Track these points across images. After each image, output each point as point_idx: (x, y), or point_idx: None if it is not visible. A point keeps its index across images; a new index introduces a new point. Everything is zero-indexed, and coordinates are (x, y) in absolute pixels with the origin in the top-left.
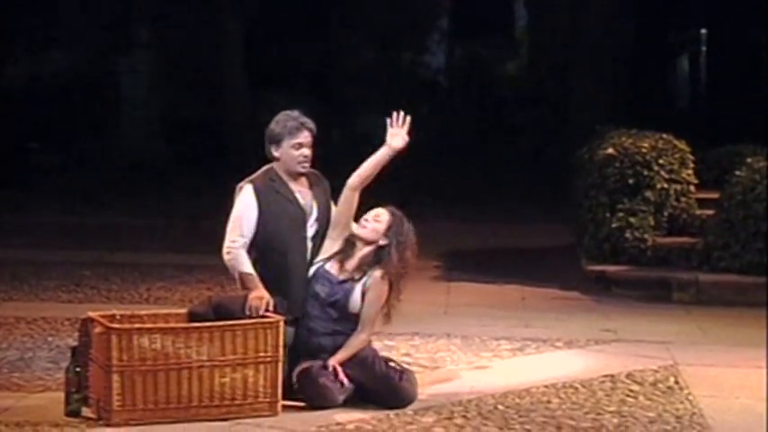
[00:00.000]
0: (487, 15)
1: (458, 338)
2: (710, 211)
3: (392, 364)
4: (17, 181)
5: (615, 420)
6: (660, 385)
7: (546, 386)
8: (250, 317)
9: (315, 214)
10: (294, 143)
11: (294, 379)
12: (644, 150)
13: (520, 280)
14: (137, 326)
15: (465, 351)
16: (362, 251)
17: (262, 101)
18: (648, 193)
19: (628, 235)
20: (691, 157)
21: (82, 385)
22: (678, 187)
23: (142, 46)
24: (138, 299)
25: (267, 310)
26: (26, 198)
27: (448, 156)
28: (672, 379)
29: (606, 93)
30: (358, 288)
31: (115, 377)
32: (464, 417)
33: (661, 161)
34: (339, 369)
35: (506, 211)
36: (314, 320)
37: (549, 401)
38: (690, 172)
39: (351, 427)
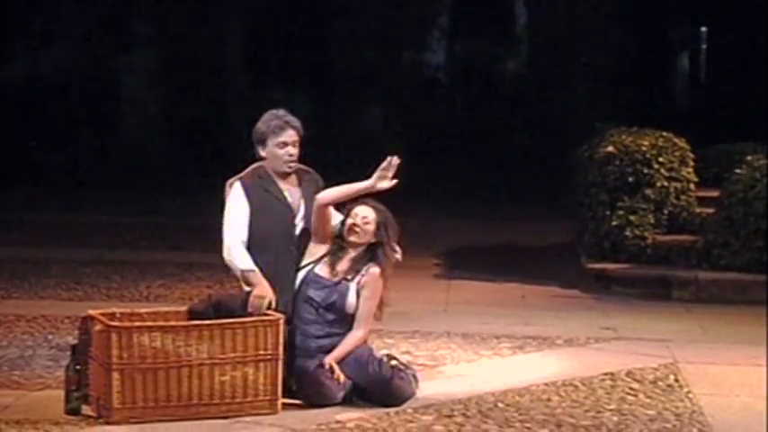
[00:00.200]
0: (488, 13)
1: (458, 336)
2: (710, 209)
3: (394, 361)
4: (17, 179)
5: (615, 418)
6: (660, 383)
7: (546, 384)
8: (251, 315)
9: (302, 211)
10: (279, 142)
11: (293, 378)
12: (644, 148)
13: (520, 278)
14: (137, 324)
15: (465, 349)
16: (354, 252)
17: (262, 99)
18: (648, 191)
19: (628, 233)
20: (691, 155)
21: (82, 383)
22: (678, 185)
23: (143, 44)
24: (138, 297)
25: (269, 308)
26: (26, 196)
27: (448, 154)
28: (672, 377)
29: (606, 91)
30: (352, 288)
31: (115, 375)
32: (464, 415)
33: (661, 159)
34: (336, 367)
35: (506, 209)
36: (310, 325)
37: (548, 399)
38: (690, 170)
39: (351, 425)
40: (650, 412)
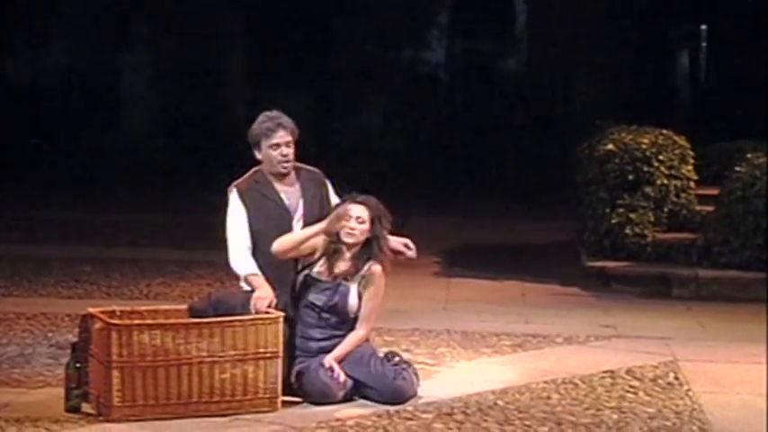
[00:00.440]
0: (488, 12)
1: (458, 334)
2: (710, 207)
3: (396, 359)
4: (17, 176)
5: (615, 416)
6: (660, 381)
7: (546, 382)
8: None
9: (299, 212)
10: (272, 144)
11: (293, 377)
12: (644, 146)
13: (520, 276)
14: (137, 322)
15: (465, 347)
16: (351, 252)
17: (262, 98)
18: (648, 189)
19: (628, 231)
20: (691, 153)
21: (82, 381)
22: (678, 183)
23: (143, 43)
24: (138, 295)
25: (270, 306)
26: (26, 194)
27: (447, 151)
28: (672, 375)
29: (606, 89)
30: (354, 289)
31: (115, 373)
32: (464, 413)
33: (661, 157)
34: (336, 366)
35: (506, 206)
36: (311, 328)
37: (548, 397)
38: (690, 168)
39: (351, 423)
40: (650, 410)
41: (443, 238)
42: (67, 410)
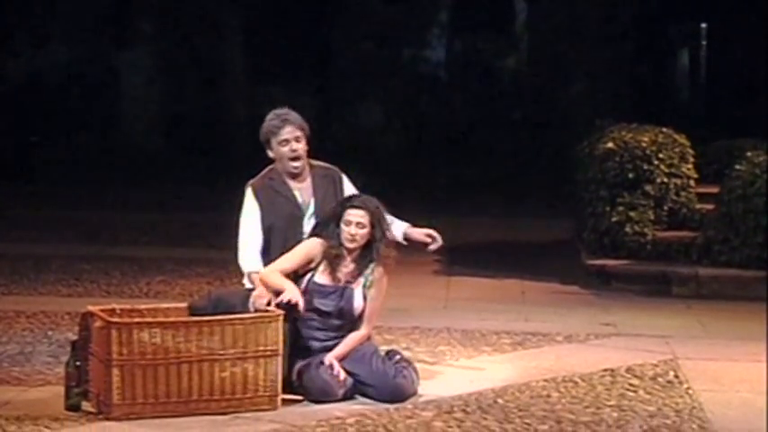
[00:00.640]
0: (487, 10)
1: (458, 332)
2: (710, 206)
3: (397, 357)
4: (17, 175)
5: (615, 414)
6: (660, 379)
7: (545, 380)
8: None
9: (311, 210)
10: (280, 140)
11: (294, 375)
12: (644, 144)
13: (519, 274)
14: (137, 320)
15: (465, 345)
16: (352, 255)
17: (261, 95)
18: (648, 188)
19: (628, 229)
20: (691, 151)
21: (82, 379)
22: (678, 181)
23: (142, 41)
24: (138, 293)
25: (269, 304)
26: (26, 192)
27: (447, 149)
28: (671, 373)
29: (606, 87)
30: (359, 291)
31: (115, 371)
32: (464, 411)
33: (661, 155)
34: (336, 364)
35: (506, 205)
36: (315, 331)
37: (548, 395)
38: (690, 166)
39: (351, 421)
40: (650, 408)
41: (443, 236)
42: (67, 409)
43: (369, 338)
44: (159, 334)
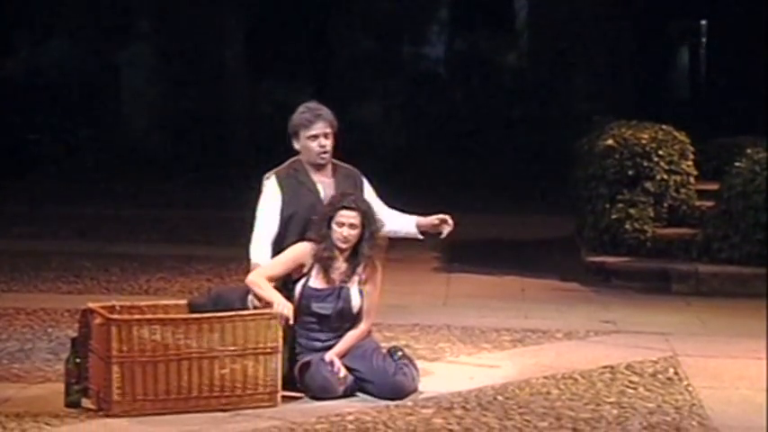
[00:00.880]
0: (487, 6)
1: (457, 330)
2: (710, 203)
3: (399, 353)
4: (17, 171)
5: (615, 411)
6: (660, 376)
7: (545, 377)
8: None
9: None
10: (310, 135)
11: (296, 372)
12: (644, 141)
13: (519, 271)
14: (136, 317)
15: (465, 342)
16: (344, 255)
17: (261, 92)
18: (648, 185)
19: (627, 226)
20: (690, 148)
21: (82, 376)
22: (678, 178)
23: (142, 37)
24: (138, 290)
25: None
26: (26, 189)
27: (447, 147)
28: (671, 370)
29: (606, 84)
30: (354, 289)
31: (115, 368)
32: (464, 408)
33: (661, 152)
34: (337, 361)
35: (506, 202)
36: (317, 334)
37: (548, 392)
38: (689, 163)
39: (350, 417)
40: (650, 405)
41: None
42: (67, 405)
43: (369, 334)
44: (159, 331)
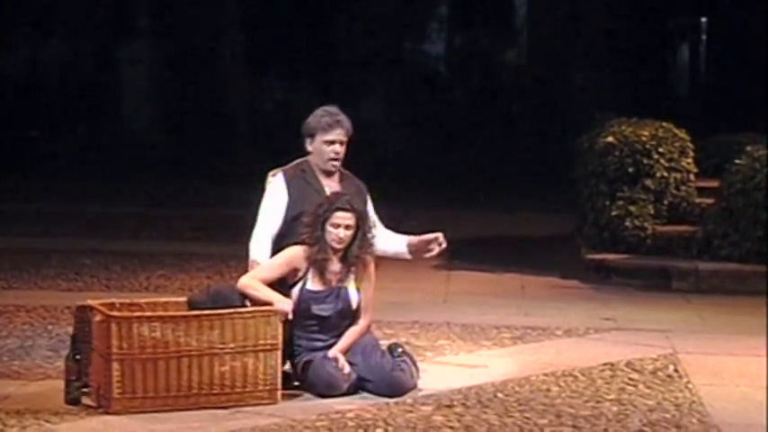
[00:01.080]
0: (487, 3)
1: (457, 327)
2: (710, 200)
3: (399, 350)
4: (17, 169)
5: (614, 408)
6: (660, 373)
7: (545, 374)
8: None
9: None
10: (326, 139)
11: (298, 369)
12: (644, 139)
13: (519, 268)
14: (136, 314)
15: (465, 339)
16: (338, 255)
17: (261, 89)
18: (648, 182)
19: (627, 223)
20: (690, 145)
21: (82, 373)
22: (678, 176)
23: (143, 34)
24: (138, 287)
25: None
26: (26, 186)
27: (447, 144)
28: (671, 367)
29: (606, 81)
30: (351, 287)
31: (115, 365)
32: (464, 405)
33: (661, 150)
34: (341, 357)
35: (506, 199)
36: (318, 335)
37: (548, 390)
38: (690, 160)
39: (350, 415)
40: (650, 402)
41: (443, 230)
42: (68, 402)
43: (368, 329)
44: (159, 328)
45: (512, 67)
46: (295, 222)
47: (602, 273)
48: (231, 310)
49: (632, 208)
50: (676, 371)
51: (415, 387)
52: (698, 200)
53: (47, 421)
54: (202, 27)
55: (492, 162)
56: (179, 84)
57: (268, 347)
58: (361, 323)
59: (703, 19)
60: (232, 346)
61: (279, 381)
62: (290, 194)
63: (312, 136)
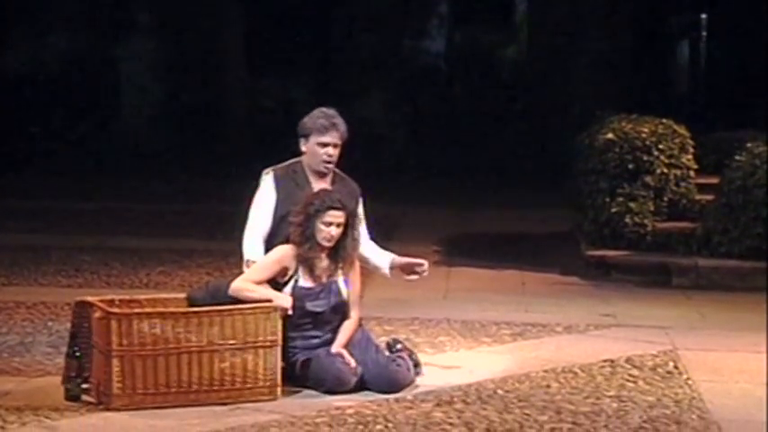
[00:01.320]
0: (487, 0)
1: (458, 323)
2: (710, 197)
3: (398, 345)
4: (17, 165)
5: (614, 405)
6: (659, 370)
7: (545, 371)
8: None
9: None
10: (320, 141)
11: (297, 367)
12: (644, 135)
13: (519, 265)
14: (136, 311)
15: (465, 336)
16: (326, 252)
17: (261, 87)
18: (648, 179)
19: (627, 220)
20: (690, 142)
21: (82, 370)
22: (678, 172)
23: (143, 31)
24: (138, 284)
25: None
26: (26, 182)
27: (447, 141)
28: (671, 364)
29: (606, 78)
30: (341, 281)
31: (115, 362)
32: (464, 401)
33: (661, 146)
34: (345, 353)
35: (506, 196)
36: (312, 331)
37: (548, 386)
38: (689, 157)
39: (350, 411)
40: (650, 399)
41: (443, 227)
42: (68, 399)
43: (360, 325)
44: (159, 325)
45: (511, 63)
46: (282, 222)
47: (603, 269)
48: (231, 307)
49: (632, 204)
50: (676, 367)
51: (412, 382)
52: (698, 196)
53: (47, 417)
54: (203, 23)
55: (492, 159)
56: (179, 80)
57: (268, 344)
58: (354, 317)
59: (703, 16)
60: (232, 342)
61: (279, 377)
62: (278, 194)
63: (307, 137)
